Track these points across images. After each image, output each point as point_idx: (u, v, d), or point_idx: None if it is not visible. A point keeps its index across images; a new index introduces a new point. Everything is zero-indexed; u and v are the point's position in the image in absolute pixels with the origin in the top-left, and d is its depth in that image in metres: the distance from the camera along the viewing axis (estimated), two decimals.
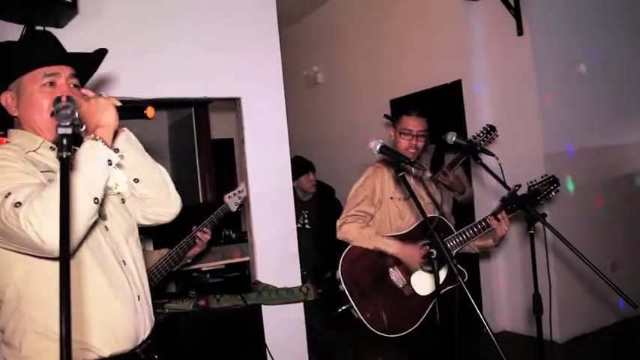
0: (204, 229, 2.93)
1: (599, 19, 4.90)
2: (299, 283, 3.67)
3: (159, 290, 2.97)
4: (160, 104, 4.65)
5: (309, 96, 7.19)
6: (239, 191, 3.26)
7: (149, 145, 1.79)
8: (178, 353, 2.99)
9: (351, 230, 2.85)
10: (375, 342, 2.79)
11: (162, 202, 1.73)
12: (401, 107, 3.17)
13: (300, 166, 4.26)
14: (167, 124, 7.32)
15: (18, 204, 1.28)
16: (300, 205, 4.23)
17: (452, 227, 2.86)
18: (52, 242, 1.26)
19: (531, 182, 2.81)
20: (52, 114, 1.48)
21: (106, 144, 1.41)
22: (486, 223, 2.75)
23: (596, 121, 4.87)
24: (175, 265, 2.86)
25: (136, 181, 1.64)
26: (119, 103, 1.49)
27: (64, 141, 1.04)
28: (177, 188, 1.81)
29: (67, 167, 1.03)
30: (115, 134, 1.50)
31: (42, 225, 1.26)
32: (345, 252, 2.84)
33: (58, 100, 1.21)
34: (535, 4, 4.55)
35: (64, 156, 1.03)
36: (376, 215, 2.93)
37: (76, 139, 1.53)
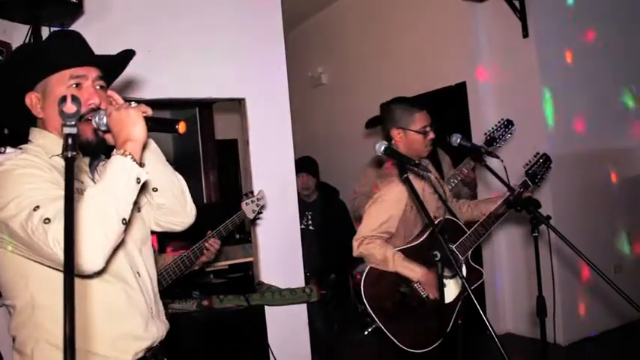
0: (213, 239, 2.87)
1: (605, 22, 4.89)
2: (302, 284, 3.67)
3: (162, 290, 2.96)
4: (163, 104, 4.68)
5: (314, 97, 7.19)
6: (257, 198, 3.12)
7: None
8: (181, 354, 2.98)
9: (372, 253, 2.65)
10: (401, 356, 2.60)
11: (178, 212, 1.71)
12: (399, 106, 2.83)
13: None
14: None
15: (47, 220, 1.26)
16: (303, 206, 4.22)
17: (463, 226, 2.77)
18: (81, 263, 1.26)
19: (526, 165, 2.79)
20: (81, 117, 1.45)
21: (135, 161, 1.38)
22: (495, 216, 2.73)
23: (601, 123, 4.86)
24: (186, 269, 2.84)
25: (155, 190, 1.61)
26: (150, 112, 1.46)
27: (70, 140, 1.04)
28: None
29: (72, 167, 1.03)
30: None
31: None
32: (366, 270, 2.67)
33: (62, 99, 1.13)
34: (541, 7, 4.54)
35: (69, 155, 1.03)
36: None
37: (100, 145, 1.54)
